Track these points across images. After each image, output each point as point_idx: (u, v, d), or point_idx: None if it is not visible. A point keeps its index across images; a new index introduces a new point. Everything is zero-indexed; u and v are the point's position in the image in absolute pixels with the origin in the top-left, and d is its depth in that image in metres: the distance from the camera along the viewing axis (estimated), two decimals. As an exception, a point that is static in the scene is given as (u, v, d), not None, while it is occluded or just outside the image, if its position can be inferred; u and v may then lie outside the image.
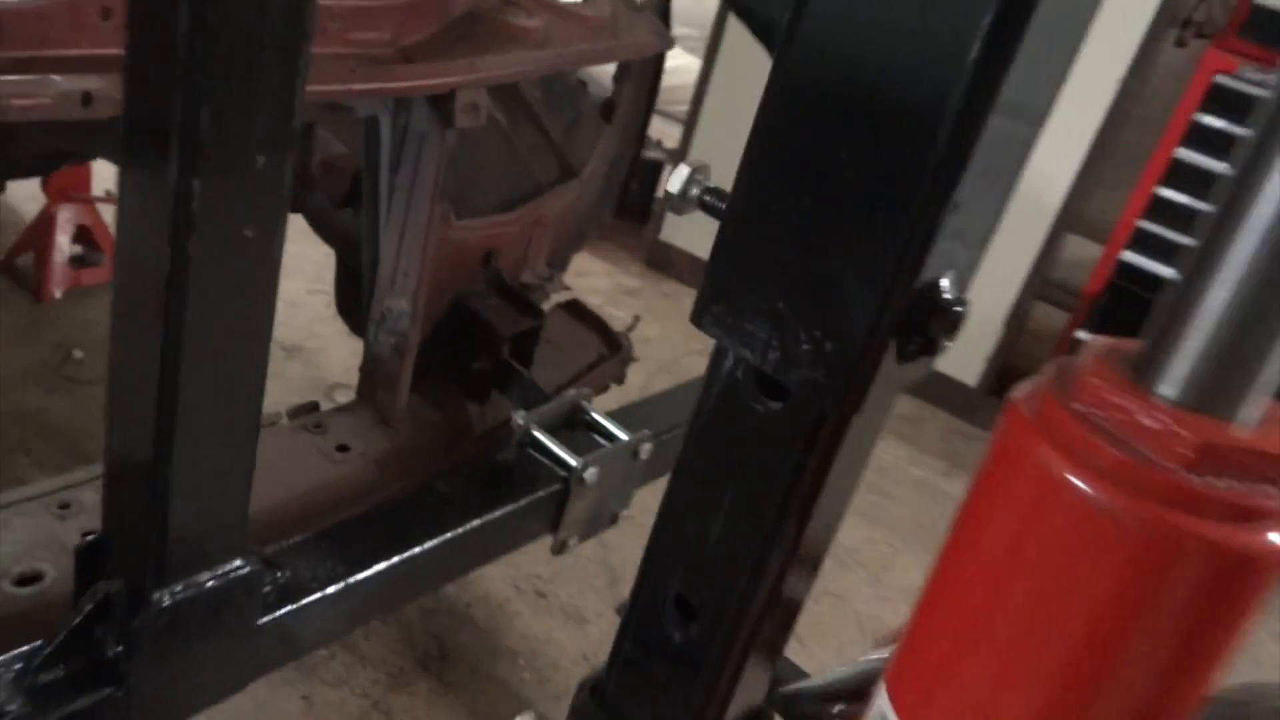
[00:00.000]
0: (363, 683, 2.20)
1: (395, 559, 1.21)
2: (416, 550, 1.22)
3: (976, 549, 0.47)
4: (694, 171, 0.53)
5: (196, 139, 0.74)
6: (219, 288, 0.82)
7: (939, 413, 3.55)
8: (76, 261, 3.16)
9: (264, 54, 0.74)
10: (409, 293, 1.51)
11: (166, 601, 0.96)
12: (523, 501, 1.36)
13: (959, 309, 0.47)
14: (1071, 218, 3.22)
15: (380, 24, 1.33)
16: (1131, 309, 3.23)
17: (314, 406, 1.64)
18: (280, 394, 2.94)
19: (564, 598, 2.50)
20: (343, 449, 1.52)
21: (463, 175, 1.66)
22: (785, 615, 0.56)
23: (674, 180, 0.53)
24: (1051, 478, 0.43)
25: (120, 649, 0.97)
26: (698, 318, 0.53)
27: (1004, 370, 3.46)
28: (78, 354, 2.84)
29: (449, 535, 1.27)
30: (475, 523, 1.30)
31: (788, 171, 0.48)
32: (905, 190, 0.44)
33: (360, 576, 1.17)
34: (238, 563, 1.01)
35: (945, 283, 0.48)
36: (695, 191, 0.53)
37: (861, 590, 2.78)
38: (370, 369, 1.60)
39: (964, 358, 3.44)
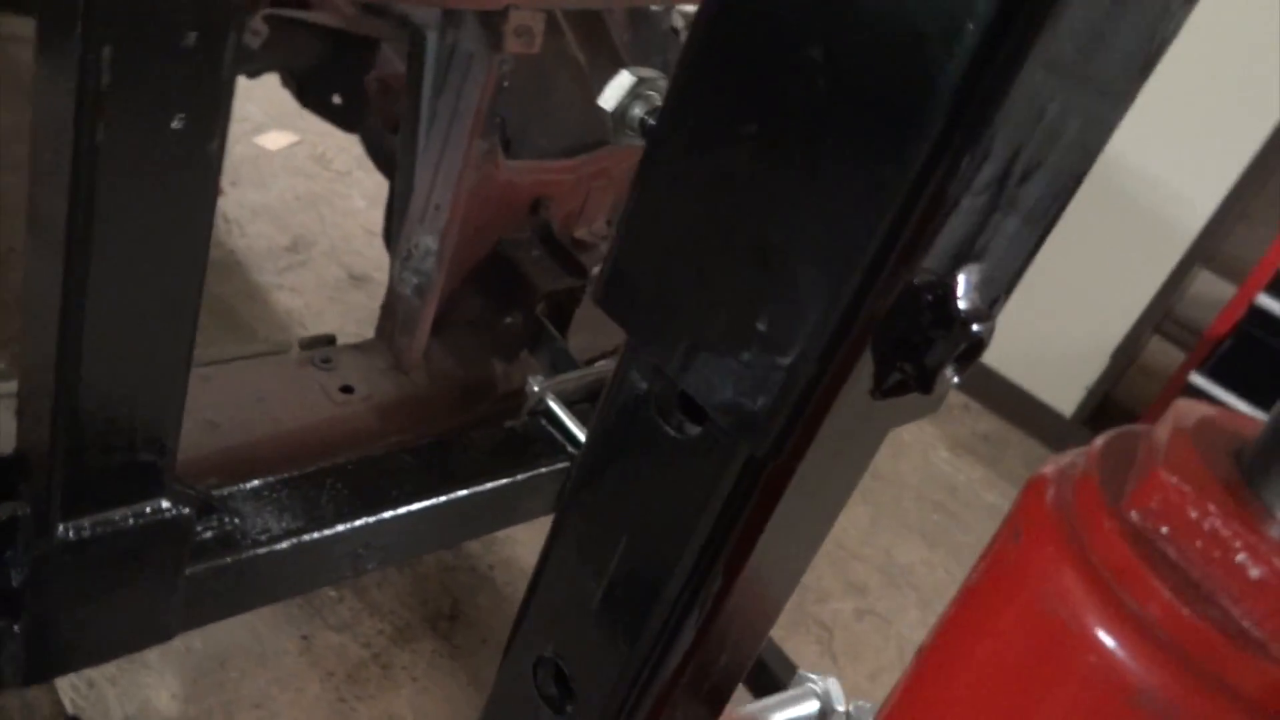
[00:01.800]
0: (367, 631, 2.11)
1: (360, 521, 1.08)
2: (386, 515, 1.10)
3: (951, 683, 0.30)
4: (638, 83, 0.37)
5: (104, 11, 0.61)
6: (136, 186, 0.69)
7: (1026, 438, 3.29)
8: (162, 162, 3.13)
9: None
10: (438, 230, 1.37)
11: (72, 535, 0.84)
12: (520, 476, 1.22)
13: (978, 327, 0.30)
14: (1206, 251, 2.92)
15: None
16: (1259, 359, 2.92)
17: (330, 339, 1.52)
18: (338, 322, 2.88)
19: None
20: (346, 390, 1.40)
21: (523, 111, 1.51)
22: (700, 710, 0.40)
23: (610, 93, 0.37)
24: (1068, 627, 0.26)
25: (23, 579, 0.87)
26: (600, 296, 0.37)
27: (1104, 403, 3.18)
28: (147, 254, 2.81)
29: (427, 502, 1.14)
30: (461, 492, 1.16)
31: (729, 87, 0.31)
32: (901, 122, 0.27)
33: (316, 535, 1.05)
34: (164, 504, 0.89)
35: (961, 284, 0.31)
36: (639, 111, 0.36)
37: (909, 613, 2.59)
38: (390, 308, 1.48)
39: (1062, 383, 3.18)
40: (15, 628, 0.87)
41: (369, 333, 1.67)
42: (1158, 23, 0.30)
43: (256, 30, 1.54)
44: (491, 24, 1.21)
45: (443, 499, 1.14)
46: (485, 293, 1.50)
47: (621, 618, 0.39)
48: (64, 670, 0.95)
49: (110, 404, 0.80)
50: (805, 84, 0.29)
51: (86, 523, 0.85)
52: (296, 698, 1.96)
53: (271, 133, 3.53)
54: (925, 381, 0.31)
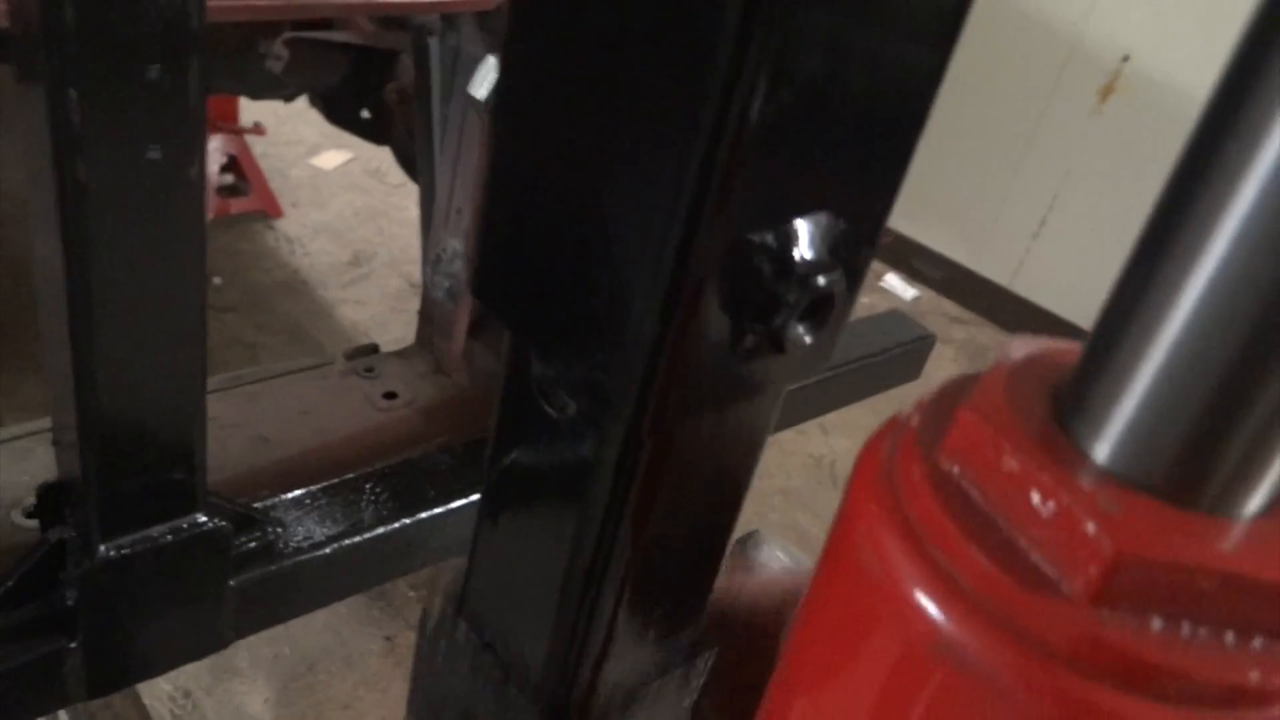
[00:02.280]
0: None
1: (399, 523, 1.11)
2: (424, 515, 1.12)
3: (804, 656, 0.30)
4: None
5: (67, 46, 0.63)
6: (124, 216, 0.72)
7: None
8: (225, 191, 3.24)
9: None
10: (462, 232, 1.40)
11: (112, 554, 0.89)
12: (556, 468, 1.24)
13: (824, 279, 0.29)
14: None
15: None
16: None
17: (374, 349, 1.56)
18: (401, 331, 2.94)
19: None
20: (390, 396, 1.44)
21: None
22: (618, 693, 0.41)
23: (479, 80, 0.37)
24: (880, 584, 0.25)
25: (75, 598, 0.91)
26: (473, 288, 0.37)
27: None
28: (216, 281, 2.91)
29: (465, 501, 1.16)
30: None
31: (542, 49, 0.31)
32: (687, 49, 0.26)
33: (357, 539, 1.08)
34: (200, 518, 0.93)
35: (799, 235, 0.30)
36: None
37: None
38: (426, 313, 1.51)
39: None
40: (73, 645, 0.92)
41: (415, 337, 1.71)
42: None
43: (278, 55, 1.58)
44: (488, 24, 1.23)
45: (476, 498, 1.16)
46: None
47: (543, 595, 0.40)
48: (126, 683, 1.00)
49: (132, 429, 0.83)
50: (601, 33, 0.29)
51: (126, 541, 0.89)
52: (383, 698, 2.02)
53: (327, 152, 3.63)
54: (776, 340, 0.30)
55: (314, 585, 1.08)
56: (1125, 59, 3.04)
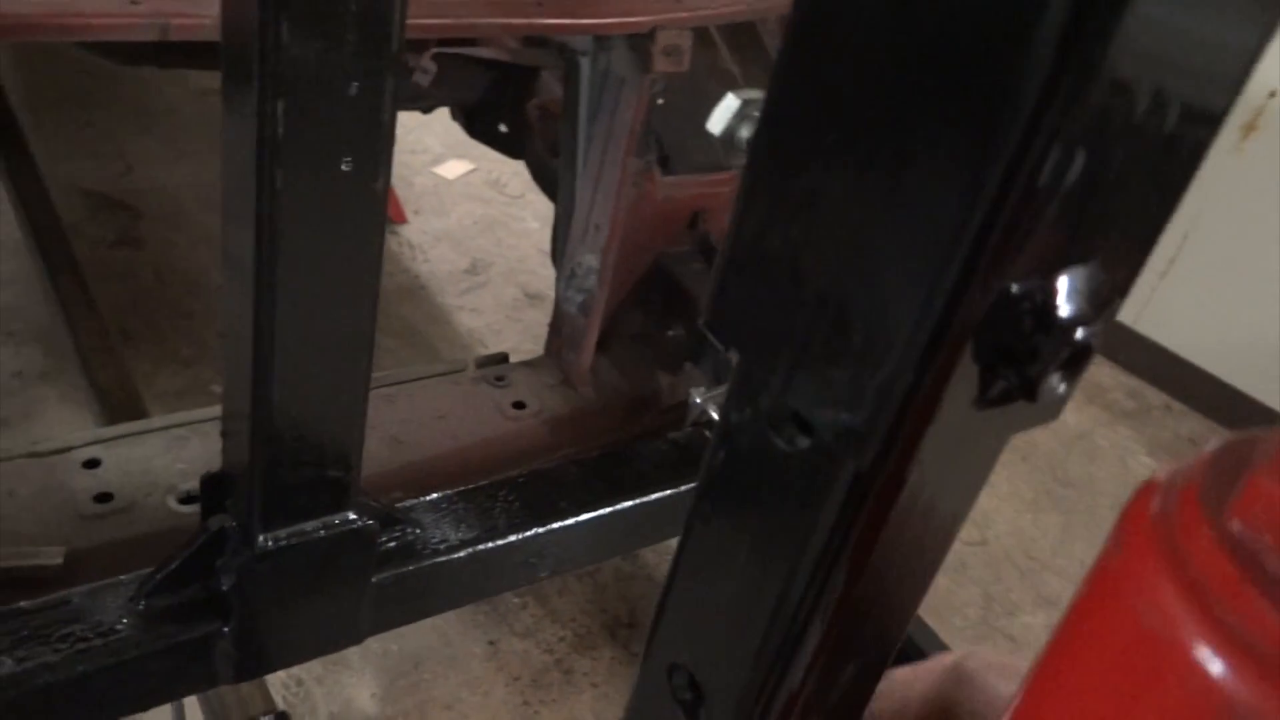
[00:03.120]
0: (549, 638, 2.19)
1: (530, 531, 1.13)
2: (556, 525, 1.14)
3: (1054, 701, 0.30)
4: (744, 105, 0.38)
5: (279, 60, 0.67)
6: (313, 222, 0.76)
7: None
8: (353, 196, 3.35)
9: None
10: (599, 248, 1.42)
11: (270, 545, 0.92)
12: (684, 486, 1.24)
13: (1082, 333, 0.29)
14: None
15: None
16: None
17: (504, 358, 1.60)
18: (515, 339, 3.00)
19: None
20: (519, 405, 1.47)
21: (679, 126, 1.54)
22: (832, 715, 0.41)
23: (717, 117, 0.38)
24: (1164, 643, 0.25)
25: (231, 585, 0.96)
26: (706, 319, 0.38)
27: (1326, 398, 2.91)
28: (341, 283, 3.01)
29: (594, 513, 1.17)
30: (625, 503, 1.20)
31: (811, 95, 0.31)
32: (982, 114, 0.26)
33: (491, 545, 1.10)
34: (351, 516, 0.96)
35: (1063, 288, 0.30)
36: (746, 133, 0.37)
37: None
38: (557, 326, 1.54)
39: (1274, 376, 2.93)
40: (225, 629, 0.97)
41: (544, 349, 1.74)
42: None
43: (426, 69, 1.64)
44: (640, 46, 1.25)
45: (608, 510, 1.17)
46: (648, 307, 1.54)
47: (746, 625, 0.40)
48: (270, 669, 1.04)
49: (300, 426, 0.87)
50: (882, 81, 0.29)
51: (284, 534, 0.93)
52: (484, 701, 2.05)
53: (449, 162, 3.72)
54: (1029, 390, 0.30)
55: (447, 587, 1.11)
56: (1272, 95, 2.93)
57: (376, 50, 0.70)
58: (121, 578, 0.98)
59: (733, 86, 1.77)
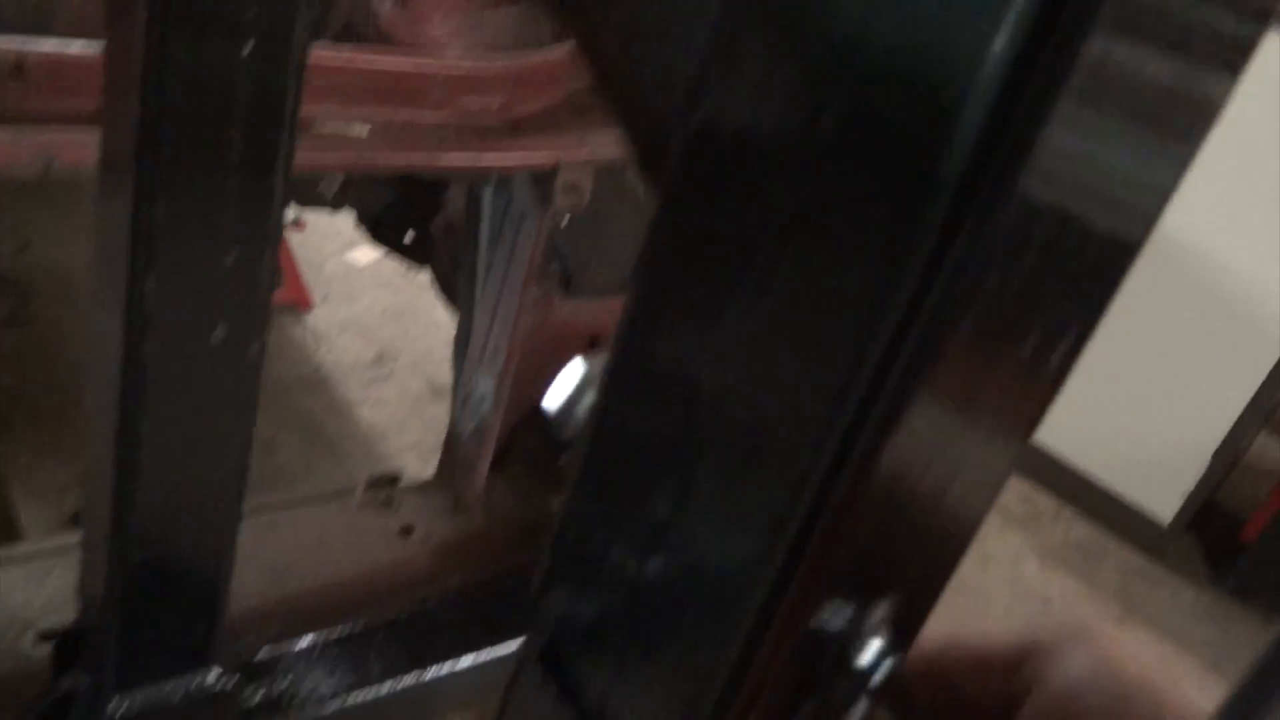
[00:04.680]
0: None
1: (409, 679, 1.09)
2: (434, 673, 1.11)
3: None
4: (588, 376, 0.37)
5: (150, 229, 0.65)
6: (182, 393, 0.73)
7: (1122, 546, 3.14)
8: (258, 280, 3.29)
9: (231, 142, 0.65)
10: (495, 372, 1.41)
11: (124, 709, 0.87)
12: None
13: (882, 671, 0.29)
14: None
15: (490, 91, 1.24)
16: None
17: (393, 479, 1.56)
18: (419, 434, 2.95)
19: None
20: (406, 531, 1.43)
21: (583, 248, 1.56)
22: None
23: (556, 392, 0.38)
24: None
25: (79, 749, 0.90)
26: (537, 599, 0.37)
27: (1206, 507, 3.03)
28: (240, 371, 2.93)
29: (477, 658, 1.14)
30: (511, 646, 1.17)
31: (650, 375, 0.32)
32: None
33: (365, 697, 1.07)
34: (214, 672, 0.92)
35: (866, 623, 0.30)
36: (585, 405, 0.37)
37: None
38: (450, 447, 1.52)
39: (1159, 487, 3.04)
40: (71, 798, 0.90)
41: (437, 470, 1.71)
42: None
43: (331, 180, 1.63)
44: (541, 181, 1.26)
45: (491, 653, 1.15)
46: (545, 430, 1.53)
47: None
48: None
49: (162, 583, 0.83)
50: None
51: (139, 695, 0.88)
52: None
53: (362, 247, 3.69)
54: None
55: (318, 740, 1.06)
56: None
57: (257, 216, 0.69)
58: (-42, 738, 0.91)
59: (637, 208, 1.79)
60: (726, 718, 0.30)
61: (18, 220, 3.30)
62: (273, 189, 0.69)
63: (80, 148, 0.94)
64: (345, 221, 3.74)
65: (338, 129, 1.12)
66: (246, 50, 0.59)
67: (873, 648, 0.30)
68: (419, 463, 2.64)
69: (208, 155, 0.64)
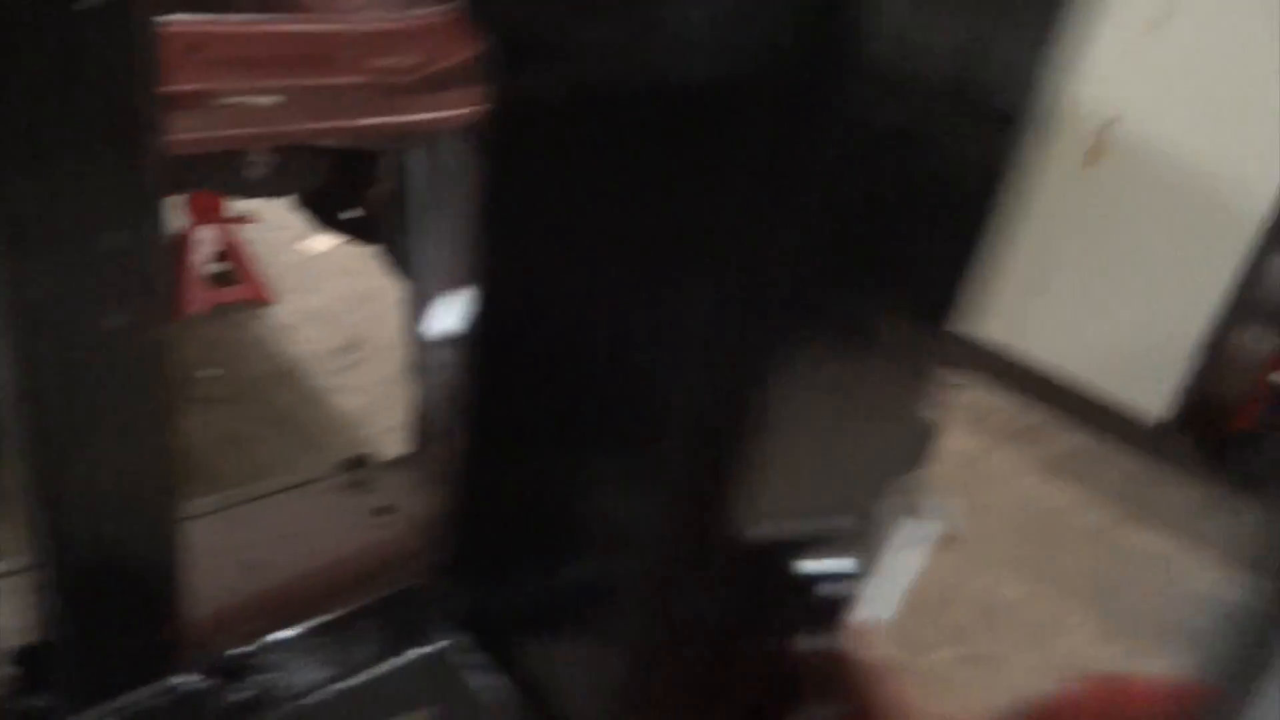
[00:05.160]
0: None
1: (392, 663, 1.05)
2: (418, 653, 1.07)
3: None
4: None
5: (16, 214, 0.60)
6: (88, 388, 0.69)
7: (1119, 450, 3.13)
8: (216, 280, 3.22)
9: (85, 107, 0.59)
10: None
11: (88, 726, 0.83)
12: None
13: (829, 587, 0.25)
14: (1282, 231, 2.77)
15: (405, 49, 1.18)
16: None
17: (364, 460, 1.52)
18: (397, 417, 2.90)
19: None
20: (384, 510, 1.39)
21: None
22: None
23: (439, 315, 0.33)
24: None
25: (49, 773, 0.86)
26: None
27: (1197, 402, 3.01)
28: (213, 372, 2.88)
29: (459, 636, 1.10)
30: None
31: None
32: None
33: (350, 683, 1.03)
34: (180, 680, 0.88)
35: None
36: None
37: (1018, 654, 2.46)
38: (420, 421, 1.47)
39: (1146, 388, 3.03)
40: (48, 823, 0.87)
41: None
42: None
43: (259, 162, 1.56)
44: (470, 137, 1.20)
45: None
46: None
47: None
48: None
49: (110, 592, 0.79)
50: None
51: (105, 709, 0.84)
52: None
53: (317, 236, 3.61)
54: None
55: (305, 733, 1.02)
56: (1112, 121, 3.04)
57: (130, 192, 0.64)
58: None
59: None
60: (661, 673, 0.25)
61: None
62: (140, 164, 0.64)
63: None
64: (296, 212, 3.66)
65: (244, 100, 1.06)
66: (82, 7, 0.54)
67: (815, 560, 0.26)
68: (401, 446, 2.60)
69: (62, 129, 0.58)
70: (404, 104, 1.13)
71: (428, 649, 1.10)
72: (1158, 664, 2.45)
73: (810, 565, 0.24)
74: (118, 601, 0.80)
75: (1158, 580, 2.66)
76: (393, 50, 1.17)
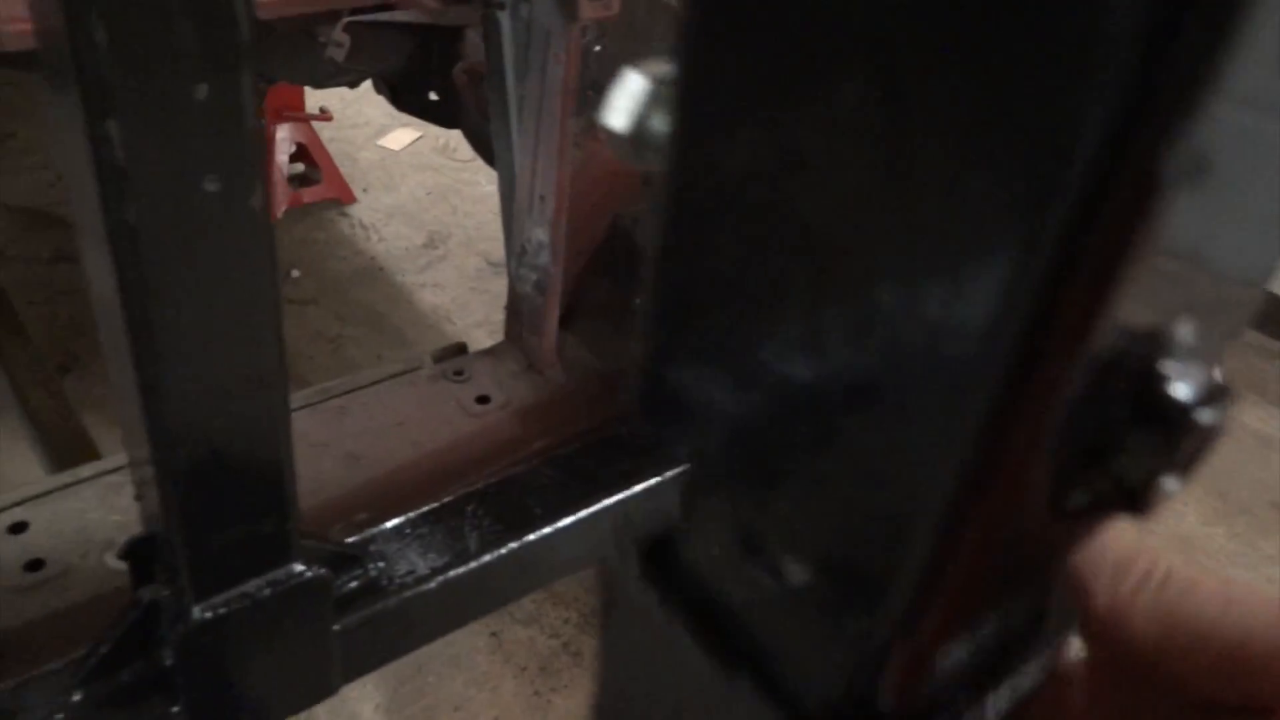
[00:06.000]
0: (553, 621, 2.11)
1: (506, 547, 1.02)
2: (532, 537, 1.03)
3: None
4: (658, 85, 0.26)
5: (99, 65, 0.54)
6: (186, 259, 0.64)
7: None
8: (296, 180, 3.20)
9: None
10: (547, 221, 1.29)
11: (208, 616, 0.82)
12: (669, 473, 1.14)
13: (1209, 415, 0.18)
14: None
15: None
16: None
17: (461, 349, 1.48)
18: (483, 312, 2.87)
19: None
20: (483, 400, 1.35)
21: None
22: None
23: (619, 106, 0.27)
24: None
25: (174, 661, 0.85)
26: (644, 405, 0.27)
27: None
28: (295, 273, 2.87)
29: (574, 517, 1.07)
30: (606, 501, 1.09)
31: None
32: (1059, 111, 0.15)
33: (464, 569, 1.00)
34: (297, 567, 0.86)
35: (1177, 349, 0.19)
36: (662, 125, 0.26)
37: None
38: (514, 308, 1.42)
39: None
40: (175, 709, 0.86)
41: (504, 333, 1.62)
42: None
43: (339, 42, 1.49)
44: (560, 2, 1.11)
45: (588, 511, 1.07)
46: (610, 275, 1.42)
47: None
48: (233, 741, 0.94)
49: (215, 479, 0.76)
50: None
51: (220, 600, 0.82)
52: (493, 696, 1.97)
53: (395, 132, 3.56)
54: (1132, 501, 0.19)
55: (422, 621, 1.01)
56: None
57: (223, 39, 0.58)
58: (52, 666, 0.87)
59: (673, 22, 1.63)
60: (975, 506, 0.19)
61: (47, 156, 3.24)
62: (234, 13, 0.57)
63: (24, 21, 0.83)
64: (373, 107, 3.60)
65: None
66: None
67: (1189, 383, 0.19)
68: (489, 339, 2.56)
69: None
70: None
71: (532, 536, 1.07)
72: (1267, 545, 2.32)
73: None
74: (230, 492, 0.77)
75: (1271, 462, 2.52)
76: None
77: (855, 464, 0.21)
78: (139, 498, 0.83)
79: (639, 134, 0.28)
